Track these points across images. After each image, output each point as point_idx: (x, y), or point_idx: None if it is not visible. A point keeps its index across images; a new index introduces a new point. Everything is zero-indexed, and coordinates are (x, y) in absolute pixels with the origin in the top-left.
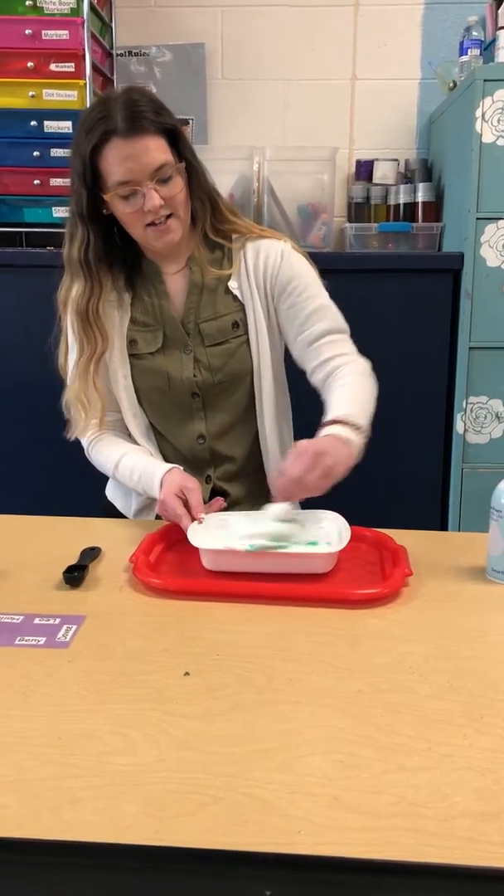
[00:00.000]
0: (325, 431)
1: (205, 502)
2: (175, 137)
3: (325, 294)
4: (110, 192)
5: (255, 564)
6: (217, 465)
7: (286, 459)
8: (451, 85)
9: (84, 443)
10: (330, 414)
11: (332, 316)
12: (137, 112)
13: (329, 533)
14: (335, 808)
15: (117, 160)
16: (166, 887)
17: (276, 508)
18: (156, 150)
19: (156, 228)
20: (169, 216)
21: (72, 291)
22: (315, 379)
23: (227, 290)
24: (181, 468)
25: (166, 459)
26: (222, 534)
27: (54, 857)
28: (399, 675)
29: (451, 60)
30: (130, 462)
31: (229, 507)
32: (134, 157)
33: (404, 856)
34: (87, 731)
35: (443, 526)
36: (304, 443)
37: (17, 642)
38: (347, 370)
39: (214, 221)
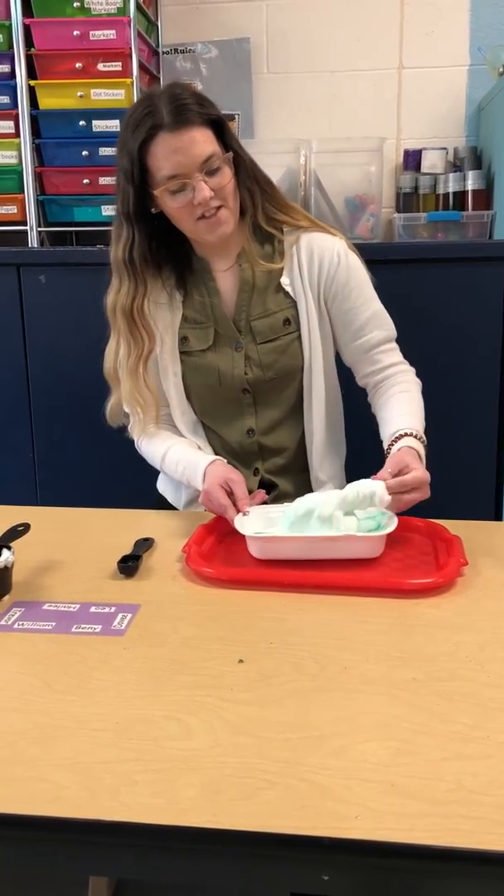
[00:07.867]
0: (403, 443)
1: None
2: (220, 128)
3: (377, 297)
4: (160, 188)
5: (302, 550)
6: (266, 459)
7: (390, 476)
8: (501, 70)
9: (134, 436)
10: (397, 425)
11: (387, 324)
12: (182, 105)
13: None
14: (392, 795)
15: (166, 154)
16: (224, 870)
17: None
18: (203, 141)
19: (207, 221)
20: (219, 208)
21: (119, 294)
22: (366, 381)
23: (279, 287)
24: (224, 460)
25: (214, 452)
26: (270, 523)
27: (113, 838)
28: (455, 663)
29: (500, 45)
30: (176, 454)
31: (277, 500)
32: (182, 150)
33: (463, 842)
34: (144, 716)
35: (497, 517)
36: (404, 462)
37: (73, 630)
38: (405, 380)
39: (268, 211)
